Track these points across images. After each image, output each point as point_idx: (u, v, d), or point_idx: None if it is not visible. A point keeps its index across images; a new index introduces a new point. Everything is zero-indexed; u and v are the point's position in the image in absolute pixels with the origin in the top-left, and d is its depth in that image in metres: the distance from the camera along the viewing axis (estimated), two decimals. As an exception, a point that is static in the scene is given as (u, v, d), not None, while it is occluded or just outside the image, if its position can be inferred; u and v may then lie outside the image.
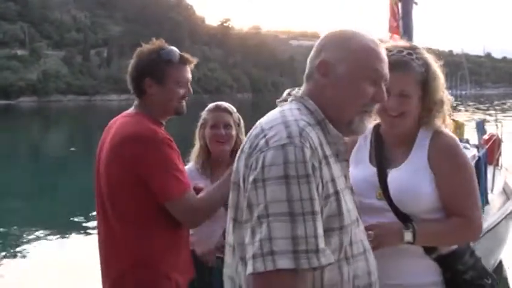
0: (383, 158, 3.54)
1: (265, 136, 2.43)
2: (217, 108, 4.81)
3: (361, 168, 3.56)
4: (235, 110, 4.90)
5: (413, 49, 3.54)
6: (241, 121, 4.92)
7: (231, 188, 2.61)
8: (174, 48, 3.99)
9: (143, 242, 3.69)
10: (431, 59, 3.57)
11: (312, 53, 2.75)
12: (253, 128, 2.60)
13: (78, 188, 22.58)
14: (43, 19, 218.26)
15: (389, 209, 3.40)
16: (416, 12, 7.14)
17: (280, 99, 2.76)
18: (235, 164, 2.59)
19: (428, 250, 3.41)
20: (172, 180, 3.67)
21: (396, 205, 3.38)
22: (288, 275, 2.26)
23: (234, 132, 4.75)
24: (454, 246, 3.49)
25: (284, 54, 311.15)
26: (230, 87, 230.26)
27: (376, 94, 2.67)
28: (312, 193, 2.33)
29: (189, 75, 4.05)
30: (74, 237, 16.18)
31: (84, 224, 17.03)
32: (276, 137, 2.39)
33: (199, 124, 4.85)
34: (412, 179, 3.41)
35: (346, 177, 2.70)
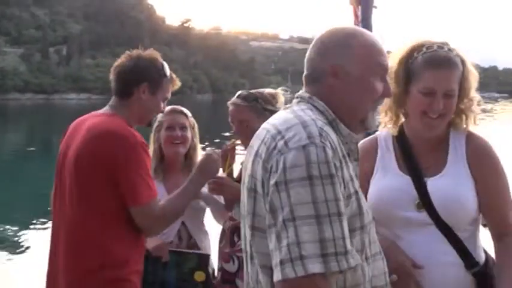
0: (416, 165, 3.31)
1: (283, 137, 2.36)
2: (173, 111, 4.83)
3: (390, 177, 3.34)
4: (190, 114, 4.92)
5: (447, 44, 3.29)
6: (196, 125, 4.95)
7: (245, 194, 2.52)
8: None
9: (111, 242, 3.66)
10: (463, 52, 3.30)
11: (313, 54, 2.67)
12: (263, 131, 2.53)
13: (36, 187, 22.36)
14: (1, 15, 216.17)
15: (430, 222, 3.18)
16: (377, 17, 7.12)
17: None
18: (248, 170, 2.52)
19: (469, 264, 3.22)
20: (143, 185, 3.66)
21: (441, 217, 3.16)
22: (318, 279, 2.22)
23: (189, 135, 4.75)
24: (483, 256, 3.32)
25: (244, 55, 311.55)
26: (190, 88, 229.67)
27: (385, 89, 2.66)
28: (336, 193, 2.29)
29: (170, 95, 4.12)
30: (31, 236, 16.02)
31: (41, 224, 16.87)
32: (296, 137, 2.33)
33: (154, 127, 4.82)
34: (457, 186, 3.20)
35: (356, 176, 2.63)
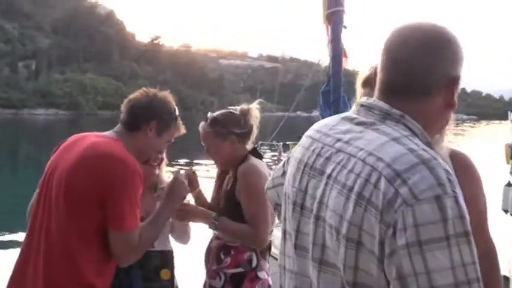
0: None
1: (405, 183, 1.90)
2: None
3: None
4: None
5: None
6: None
7: (342, 244, 2.00)
8: None
9: (85, 263, 3.64)
10: None
11: (422, 56, 2.13)
12: (343, 155, 2.11)
13: (2, 202, 22.19)
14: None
15: None
16: (347, 36, 7.15)
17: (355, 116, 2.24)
18: (348, 214, 1.99)
19: None
20: (130, 213, 3.64)
21: None
22: None
23: (164, 156, 4.71)
24: None
25: (214, 72, 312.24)
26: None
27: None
28: (473, 255, 1.88)
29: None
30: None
31: (10, 238, 16.75)
32: (423, 184, 1.88)
33: None
34: None
35: None
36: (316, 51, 2.90)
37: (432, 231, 1.83)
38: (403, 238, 1.84)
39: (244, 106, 4.69)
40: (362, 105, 2.23)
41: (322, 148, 2.21)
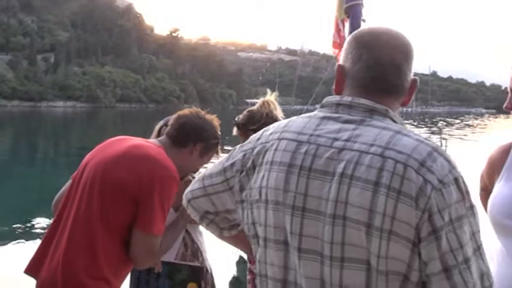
0: None
1: (430, 170, 2.07)
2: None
3: (510, 185, 3.14)
4: None
5: None
6: None
7: (375, 236, 2.08)
8: None
9: (103, 254, 3.64)
10: None
11: (401, 58, 2.33)
12: (377, 157, 2.12)
13: (22, 194, 22.30)
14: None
15: None
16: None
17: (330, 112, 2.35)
18: (379, 207, 2.07)
19: None
20: (160, 218, 3.65)
21: None
22: None
23: None
24: None
25: (232, 65, 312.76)
26: (177, 98, 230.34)
27: None
28: (478, 223, 2.13)
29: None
30: (16, 242, 15.95)
31: (27, 230, 16.79)
32: (445, 170, 2.09)
33: (156, 136, 4.59)
34: None
35: None
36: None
37: (459, 209, 2.04)
38: (440, 220, 2.01)
39: (268, 98, 4.70)
40: (339, 104, 2.30)
41: (317, 149, 2.24)
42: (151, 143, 3.94)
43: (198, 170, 4.18)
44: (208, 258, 4.76)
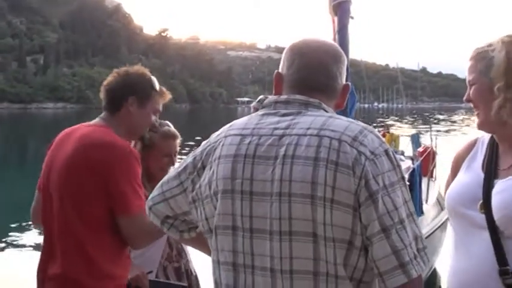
0: (494, 164, 3.12)
1: (362, 144, 2.34)
2: (172, 137, 4.70)
3: (469, 174, 3.18)
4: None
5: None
6: None
7: (319, 205, 2.30)
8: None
9: (98, 253, 3.64)
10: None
11: (332, 63, 2.61)
12: (314, 137, 2.36)
13: (12, 196, 22.26)
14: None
15: (486, 227, 2.95)
16: (352, 26, 7.15)
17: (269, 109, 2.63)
18: (320, 178, 2.30)
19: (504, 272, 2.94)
20: (134, 195, 3.63)
21: (497, 224, 2.92)
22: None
23: (176, 159, 4.67)
24: None
25: (222, 64, 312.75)
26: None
27: None
28: (409, 194, 2.40)
29: (161, 108, 4.13)
30: (6, 245, 15.95)
31: (17, 233, 16.79)
32: (375, 143, 2.36)
33: (141, 142, 4.61)
34: None
35: None
36: (331, 41, 2.88)
37: (391, 177, 2.30)
38: (375, 185, 2.26)
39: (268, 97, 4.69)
40: (277, 102, 2.58)
41: (259, 139, 2.46)
42: (95, 125, 3.88)
43: (151, 121, 4.04)
44: (193, 260, 4.73)
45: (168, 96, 4.14)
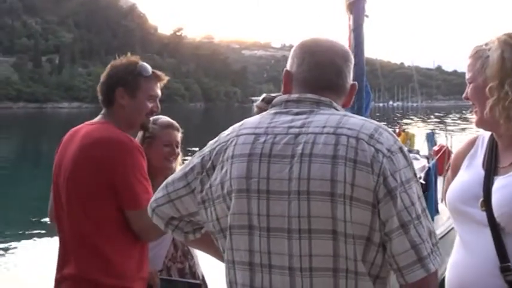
0: (494, 162, 3.13)
1: (379, 141, 2.38)
2: (171, 126, 4.70)
3: (470, 172, 3.18)
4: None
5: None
6: None
7: (339, 202, 2.33)
8: (145, 63, 4.02)
9: (111, 251, 3.63)
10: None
11: (344, 66, 2.64)
12: (331, 136, 2.39)
13: (28, 196, 22.35)
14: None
15: (487, 224, 2.96)
16: (368, 25, 7.13)
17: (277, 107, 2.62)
18: (340, 176, 2.33)
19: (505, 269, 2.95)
20: (141, 189, 3.63)
21: (497, 221, 2.93)
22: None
23: (179, 150, 4.67)
24: None
25: (236, 63, 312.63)
26: (182, 96, 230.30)
27: None
28: (421, 190, 2.45)
29: (159, 91, 4.06)
30: (22, 245, 15.98)
31: (33, 232, 16.83)
32: (390, 141, 2.40)
33: (142, 136, 4.63)
34: None
35: None
36: (339, 41, 2.84)
37: (407, 173, 2.34)
38: (393, 181, 2.30)
39: (272, 95, 4.62)
40: (288, 101, 2.57)
41: (274, 137, 2.45)
42: (97, 123, 3.88)
43: (148, 108, 3.95)
44: (200, 263, 4.72)
45: (165, 77, 4.09)
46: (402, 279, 2.34)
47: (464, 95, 3.15)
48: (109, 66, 3.96)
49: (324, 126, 2.42)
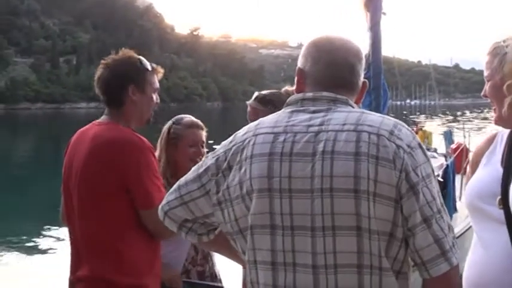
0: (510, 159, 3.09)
1: (399, 138, 2.40)
2: (195, 126, 4.67)
3: (488, 169, 3.16)
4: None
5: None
6: None
7: (363, 199, 2.35)
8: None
9: (126, 249, 3.65)
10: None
11: (357, 62, 2.66)
12: (352, 133, 2.40)
13: (46, 196, 22.42)
14: (11, 26, 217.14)
15: (504, 222, 2.92)
16: (385, 23, 7.12)
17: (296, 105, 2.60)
18: (363, 172, 2.35)
19: None
20: (154, 188, 3.65)
21: None
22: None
23: (204, 151, 4.60)
24: None
25: (254, 63, 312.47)
26: (200, 96, 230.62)
27: None
28: (437, 185, 2.47)
29: (158, 84, 4.05)
30: (40, 244, 16.07)
31: (51, 232, 16.91)
32: (409, 137, 2.43)
33: (166, 137, 4.63)
34: None
35: None
36: (356, 39, 2.83)
37: (427, 168, 2.38)
38: (415, 177, 2.33)
39: (288, 88, 4.57)
40: (303, 99, 2.58)
41: (294, 136, 2.45)
42: (104, 123, 3.86)
43: (154, 102, 3.98)
44: (217, 263, 4.71)
45: (161, 70, 4.07)
46: (426, 273, 2.37)
47: (482, 93, 3.15)
48: (108, 64, 3.93)
49: (344, 124, 2.43)
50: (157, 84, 4.00)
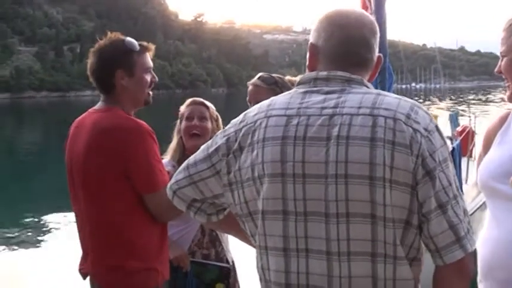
0: None
1: (417, 121, 2.32)
2: (193, 102, 4.73)
3: (502, 148, 3.11)
4: (212, 106, 4.79)
5: None
6: (219, 118, 4.79)
7: (378, 186, 2.29)
8: (129, 38, 3.95)
9: (133, 234, 3.67)
10: None
11: (371, 37, 2.55)
12: (367, 117, 2.32)
13: (52, 184, 22.46)
14: (15, 15, 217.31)
15: None
16: (389, 6, 7.09)
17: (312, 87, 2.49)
18: (379, 159, 2.28)
19: None
20: (156, 172, 3.66)
21: None
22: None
23: (209, 126, 4.61)
24: None
25: (258, 48, 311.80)
26: (204, 82, 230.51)
27: None
28: (453, 168, 2.41)
29: (151, 63, 4.00)
30: (48, 232, 16.10)
31: (58, 220, 16.94)
32: (426, 120, 2.35)
33: (178, 120, 4.73)
34: None
35: None
36: (364, 12, 2.81)
37: (444, 152, 2.32)
38: (432, 162, 2.27)
39: (291, 78, 4.57)
40: (316, 79, 2.48)
41: (308, 119, 2.37)
42: (101, 110, 3.85)
43: (147, 81, 3.92)
44: (231, 250, 4.71)
45: (152, 47, 4.00)
46: (440, 260, 2.32)
47: (496, 69, 3.07)
48: (95, 51, 3.91)
49: (360, 107, 2.35)
50: (148, 64, 3.94)
